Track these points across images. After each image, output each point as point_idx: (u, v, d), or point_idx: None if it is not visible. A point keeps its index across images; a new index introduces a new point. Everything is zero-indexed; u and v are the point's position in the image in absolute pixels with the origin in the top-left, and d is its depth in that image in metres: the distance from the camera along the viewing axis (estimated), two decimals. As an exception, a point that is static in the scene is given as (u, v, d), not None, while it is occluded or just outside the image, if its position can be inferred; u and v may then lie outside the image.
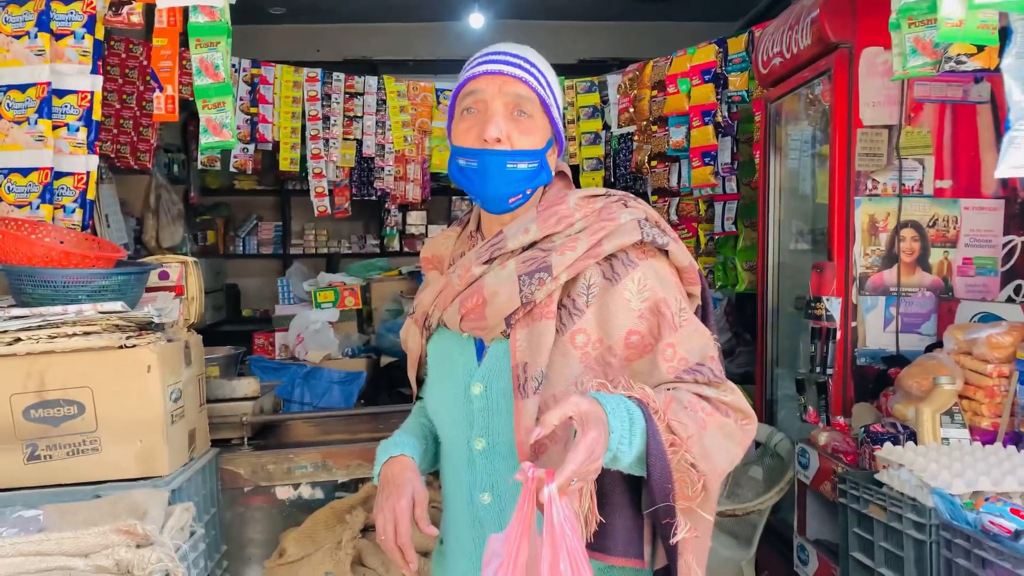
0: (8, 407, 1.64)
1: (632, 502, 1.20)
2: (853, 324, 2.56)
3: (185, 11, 2.07)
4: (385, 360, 3.86)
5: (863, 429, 2.17)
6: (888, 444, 1.97)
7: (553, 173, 1.32)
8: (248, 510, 2.11)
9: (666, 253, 1.27)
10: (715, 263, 4.11)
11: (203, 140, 2.08)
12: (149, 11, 2.11)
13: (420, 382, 1.54)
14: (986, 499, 1.55)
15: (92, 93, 2.06)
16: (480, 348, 1.32)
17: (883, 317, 2.57)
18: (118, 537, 1.41)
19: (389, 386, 3.86)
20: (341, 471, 2.09)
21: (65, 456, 1.67)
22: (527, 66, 1.26)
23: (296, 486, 2.08)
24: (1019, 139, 1.37)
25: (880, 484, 1.88)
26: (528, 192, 1.28)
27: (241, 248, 6.00)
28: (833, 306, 2.57)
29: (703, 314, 1.36)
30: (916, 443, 1.99)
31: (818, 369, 2.61)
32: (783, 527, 2.80)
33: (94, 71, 2.07)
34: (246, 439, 2.11)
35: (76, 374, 1.66)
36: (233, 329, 5.09)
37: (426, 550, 1.81)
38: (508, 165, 1.24)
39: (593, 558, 1.08)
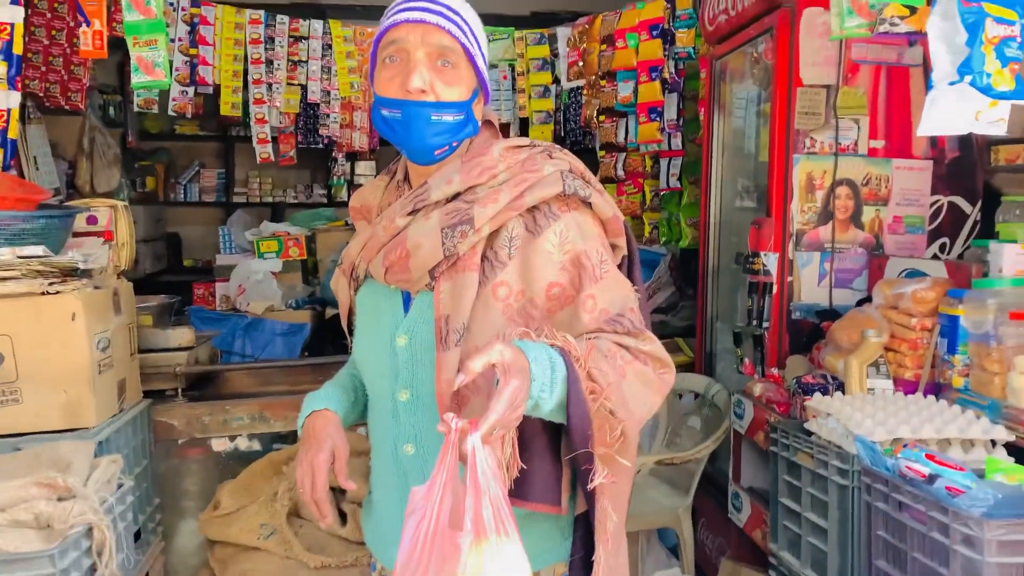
0: (-77, 356, 1.58)
1: (551, 449, 1.22)
2: (789, 279, 2.61)
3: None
4: (330, 312, 3.81)
5: (795, 380, 2.23)
6: (818, 394, 2.02)
7: (480, 123, 1.30)
8: (183, 462, 2.09)
9: (589, 205, 1.27)
10: (660, 219, 4.15)
11: (135, 79, 1.99)
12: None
13: (352, 333, 1.53)
14: (904, 446, 1.61)
15: (12, 25, 1.95)
16: (407, 300, 1.31)
17: (818, 272, 2.63)
18: (38, 490, 1.37)
19: (334, 338, 3.82)
20: (279, 422, 2.07)
21: (-15, 407, 1.62)
22: (450, 14, 1.23)
23: (233, 438, 2.06)
24: (940, 99, 1.39)
25: (809, 433, 1.94)
26: (454, 144, 1.26)
27: (183, 196, 5.82)
28: (770, 261, 2.62)
29: (628, 265, 1.37)
30: (844, 393, 2.05)
31: (755, 322, 2.67)
32: (719, 475, 2.88)
33: (14, 2, 1.95)
34: (180, 390, 2.07)
35: (-5, 321, 1.59)
36: (174, 279, 4.96)
37: (360, 500, 1.82)
38: (433, 117, 1.22)
39: (512, 504, 1.10)
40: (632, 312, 1.26)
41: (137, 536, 1.77)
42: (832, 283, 2.62)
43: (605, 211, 1.29)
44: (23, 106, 3.11)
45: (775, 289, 2.60)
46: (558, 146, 1.34)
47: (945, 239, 2.63)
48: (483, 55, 1.28)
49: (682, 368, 3.32)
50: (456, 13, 1.23)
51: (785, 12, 2.53)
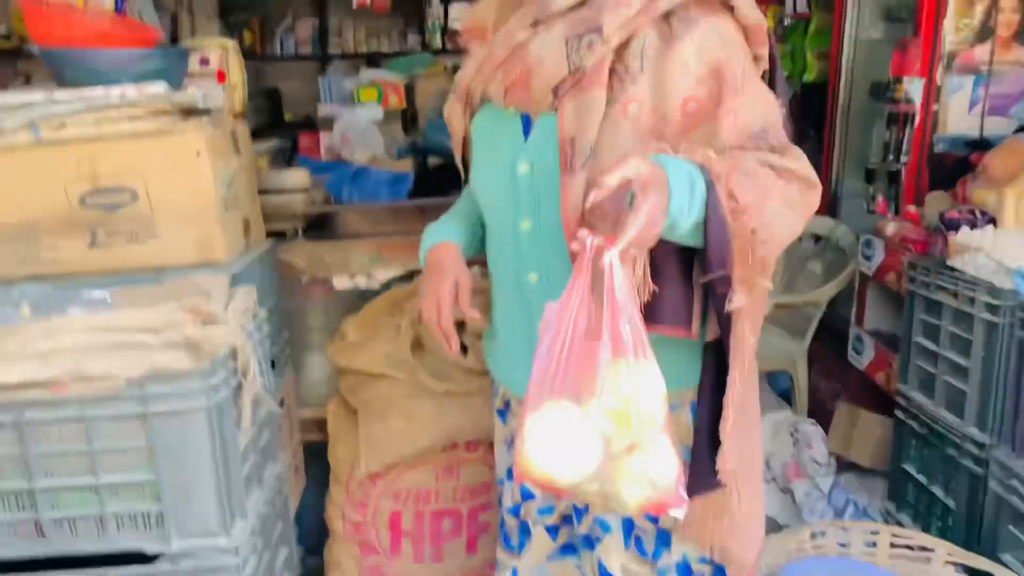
0: (64, 195, 1.63)
1: (682, 273, 1.16)
2: (935, 107, 2.37)
3: None
4: (432, 161, 3.78)
5: (938, 216, 2.06)
6: (965, 229, 1.87)
7: None
8: (307, 300, 2.16)
9: (731, 9, 1.14)
10: (783, 51, 3.82)
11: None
12: None
13: (467, 165, 1.48)
14: (1072, 278, 1.47)
15: None
16: (527, 124, 1.24)
17: (968, 99, 2.37)
18: (185, 315, 1.44)
19: (436, 188, 3.80)
20: (396, 263, 2.09)
21: (125, 242, 1.68)
22: None
23: (353, 276, 2.10)
24: None
25: (952, 270, 1.81)
26: None
27: (279, 49, 5.78)
28: (914, 88, 2.38)
29: (770, 78, 1.25)
30: (996, 228, 1.88)
31: (891, 157, 2.47)
32: (836, 320, 2.79)
33: None
34: (300, 230, 2.10)
35: (126, 160, 1.62)
36: (278, 134, 5.02)
37: (480, 333, 1.84)
38: None
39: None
40: (775, 128, 1.17)
41: (272, 366, 1.86)
42: (985, 110, 2.36)
43: (749, 16, 1.16)
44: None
45: (917, 120, 2.38)
46: None
47: (1125, 57, 2.31)
48: None
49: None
50: None
51: None
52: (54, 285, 1.61)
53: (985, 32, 2.29)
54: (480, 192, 1.39)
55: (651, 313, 1.17)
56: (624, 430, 1.01)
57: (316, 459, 2.15)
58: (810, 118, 3.78)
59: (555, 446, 1.01)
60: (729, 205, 1.06)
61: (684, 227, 1.05)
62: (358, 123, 3.61)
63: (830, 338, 2.81)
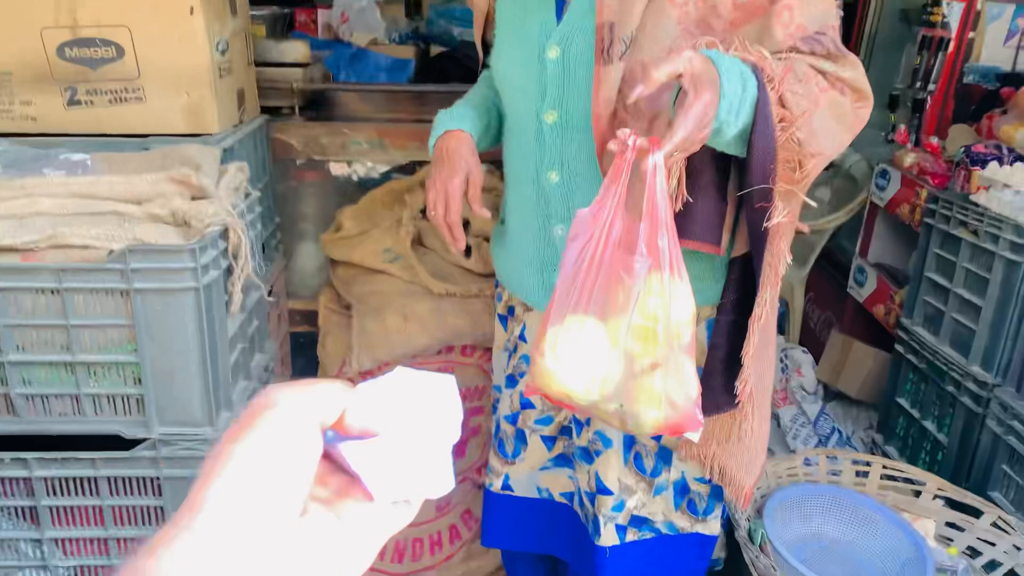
0: (40, 43, 1.49)
1: (717, 185, 1.09)
2: (970, 35, 2.25)
3: None
4: (435, 50, 3.59)
5: (962, 150, 1.98)
6: (993, 164, 1.79)
7: None
8: (301, 184, 2.05)
9: None
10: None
11: None
12: None
13: (487, 47, 1.37)
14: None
15: None
16: (560, 4, 1.13)
17: (1007, 28, 2.26)
18: (173, 187, 1.33)
19: (439, 79, 3.63)
20: (398, 151, 1.97)
21: (108, 104, 1.55)
22: None
23: (351, 163, 1.99)
24: None
25: (975, 205, 1.74)
26: None
27: (274, -83, 5.40)
28: (953, 12, 2.25)
29: None
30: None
31: (919, 84, 2.36)
32: (837, 250, 2.73)
33: None
34: (297, 108, 1.97)
35: (111, 10, 1.48)
36: (273, 3, 4.74)
37: (485, 234, 1.75)
38: None
39: None
40: (833, 31, 1.07)
41: (262, 251, 1.77)
42: (1022, 42, 2.25)
43: None
44: None
45: (952, 46, 2.26)
46: None
47: None
48: None
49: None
50: None
51: None
52: (29, 144, 1.49)
53: (1035, -43, 2.16)
54: (502, 77, 1.27)
55: (680, 224, 1.09)
56: (649, 349, 0.94)
57: (303, 351, 2.09)
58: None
59: (577, 362, 0.95)
60: (779, 112, 0.98)
61: (730, 133, 0.96)
62: (359, 2, 3.40)
63: (829, 268, 2.76)
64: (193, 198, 1.36)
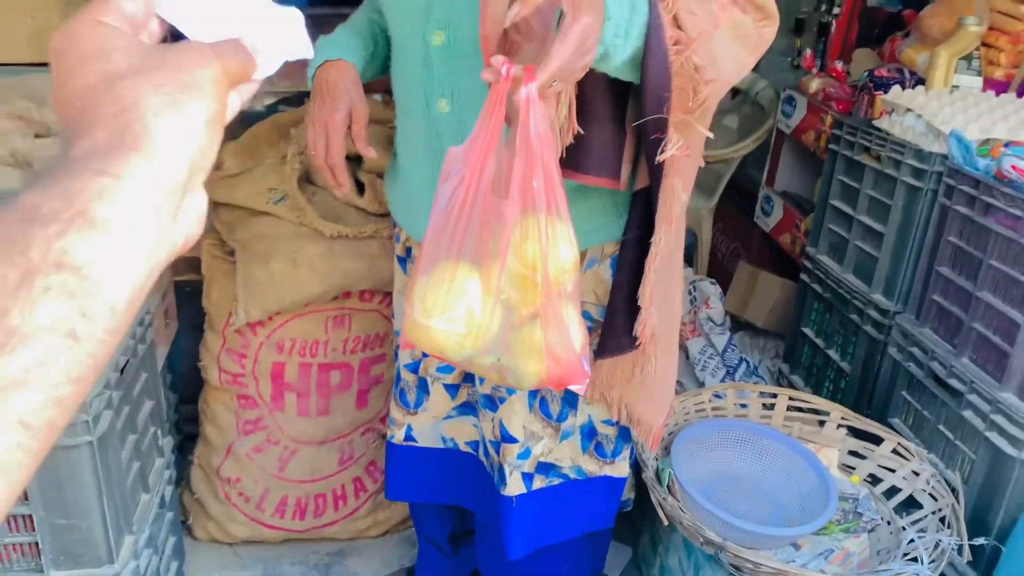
0: None
1: (612, 114, 1.01)
2: (875, -45, 2.22)
3: None
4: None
5: (866, 74, 1.96)
6: (896, 88, 1.78)
7: None
8: (176, 120, 1.87)
9: None
10: None
11: None
12: None
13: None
14: (1006, 144, 1.41)
15: None
16: None
17: (910, -51, 2.23)
18: (11, 123, 1.17)
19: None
20: (283, 81, 1.81)
21: (-68, 29, 1.35)
22: None
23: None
24: None
25: (878, 130, 1.73)
26: None
27: None
28: (858, -68, 2.21)
29: None
30: (926, 89, 1.80)
31: (824, 7, 2.33)
32: (744, 179, 2.73)
33: None
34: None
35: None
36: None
37: (379, 170, 1.64)
38: None
39: (564, 176, 0.92)
40: None
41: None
42: (924, -36, 2.23)
43: None
44: None
45: (856, -34, 2.23)
46: None
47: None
48: None
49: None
50: None
51: None
52: None
53: None
54: (385, -2, 1.15)
55: (574, 158, 1.02)
56: (528, 298, 0.87)
57: (191, 300, 1.95)
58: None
59: (449, 314, 0.87)
60: (673, 34, 0.90)
61: (619, 58, 0.88)
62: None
63: (736, 198, 2.76)
64: (37, 136, 1.20)
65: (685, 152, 0.99)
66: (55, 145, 1.15)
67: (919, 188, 1.56)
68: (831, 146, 1.86)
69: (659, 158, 0.96)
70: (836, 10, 2.30)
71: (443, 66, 1.09)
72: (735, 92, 2.79)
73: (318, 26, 2.01)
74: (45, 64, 1.12)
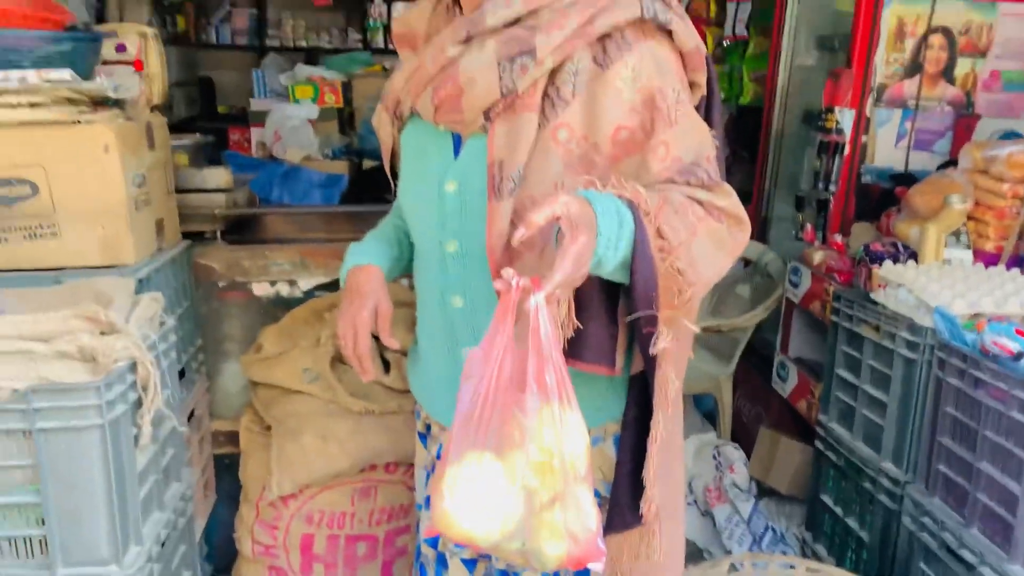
0: (-46, 184, 1.51)
1: (606, 308, 1.13)
2: (864, 139, 2.42)
3: None
4: (368, 163, 3.69)
5: (862, 248, 2.09)
6: (888, 263, 1.90)
7: None
8: (224, 306, 2.05)
9: (669, 33, 1.10)
10: (721, 72, 3.87)
11: None
12: None
13: (397, 176, 1.42)
14: (989, 320, 1.50)
15: None
16: (457, 140, 1.19)
17: (896, 132, 2.43)
18: (80, 323, 1.33)
19: (372, 191, 3.72)
20: (320, 270, 2.01)
21: (22, 239, 1.56)
22: None
23: (274, 283, 2.01)
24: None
25: (875, 303, 1.83)
26: None
27: (215, 37, 5.58)
28: (845, 118, 2.42)
29: (708, 107, 1.23)
30: (917, 263, 1.92)
31: (821, 185, 2.51)
32: (763, 345, 2.81)
33: None
34: (219, 233, 2.00)
35: (26, 150, 1.50)
36: (208, 126, 4.84)
37: (404, 350, 1.77)
38: None
39: (568, 364, 1.03)
40: (708, 162, 1.13)
41: (181, 375, 1.76)
42: (911, 144, 2.42)
43: (687, 41, 1.13)
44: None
45: (847, 150, 2.42)
46: None
47: (1049, 99, 2.39)
48: None
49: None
50: None
51: None
52: (-61, 283, 1.48)
53: (914, 67, 2.35)
54: (407, 208, 1.33)
55: (574, 348, 1.13)
56: (548, 483, 0.96)
57: (230, 472, 2.05)
58: (745, 140, 3.84)
59: (477, 502, 0.96)
60: (657, 244, 1.02)
61: (610, 265, 1.01)
62: (292, 120, 3.51)
63: (757, 362, 2.83)
64: (103, 333, 1.36)
65: (675, 344, 1.10)
66: (119, 340, 1.31)
67: (915, 360, 1.64)
68: (832, 317, 1.96)
69: (652, 351, 1.07)
70: (832, 187, 2.47)
71: (457, 269, 1.24)
72: (746, 263, 2.94)
73: (342, 220, 2.23)
74: (113, 267, 1.30)
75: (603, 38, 1.09)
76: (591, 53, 1.09)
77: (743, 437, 2.74)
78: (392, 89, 1.26)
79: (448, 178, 1.20)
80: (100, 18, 3.82)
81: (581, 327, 1.11)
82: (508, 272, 0.94)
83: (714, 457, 2.60)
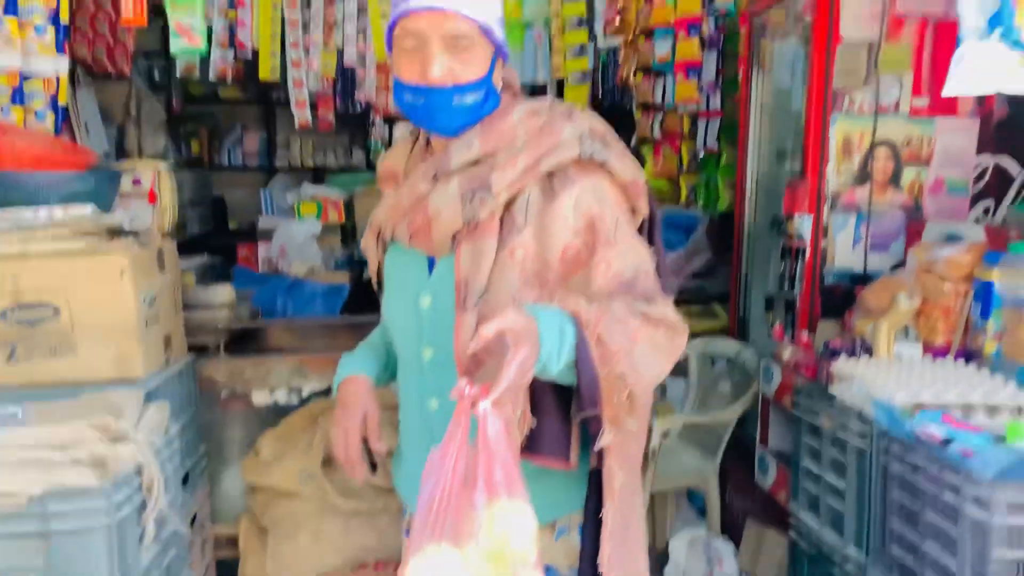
0: (-15, 309, 1.69)
1: (560, 406, 1.25)
2: (823, 243, 2.59)
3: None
4: (368, 274, 3.88)
5: (824, 344, 2.24)
6: (843, 357, 2.03)
7: (500, 89, 1.32)
8: (226, 414, 2.19)
9: (607, 169, 1.28)
10: (698, 182, 4.12)
11: (173, 45, 2.06)
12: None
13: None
14: (922, 409, 1.62)
15: (58, -7, 2.02)
16: (431, 261, 1.36)
17: (853, 236, 2.61)
18: (93, 432, 1.48)
19: (373, 299, 3.89)
20: (317, 377, 2.16)
21: (44, 357, 1.72)
22: None
23: (273, 391, 2.15)
24: (968, 55, 1.37)
25: (832, 397, 1.95)
26: (476, 120, 1.28)
27: (227, 159, 5.95)
28: (804, 224, 2.61)
29: (649, 229, 1.39)
30: (872, 358, 2.05)
31: (786, 287, 2.67)
32: (748, 439, 2.91)
33: (59, -29, 2.02)
34: (223, 345, 2.16)
35: (50, 278, 1.69)
36: (220, 241, 5.09)
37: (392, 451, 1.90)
38: (455, 101, 1.24)
39: (523, 457, 1.15)
40: (646, 276, 1.28)
41: (185, 480, 1.88)
42: (867, 247, 2.59)
43: (624, 174, 1.31)
44: (72, 72, 3.22)
45: (808, 253, 2.59)
46: (579, 106, 1.35)
47: (990, 202, 2.56)
48: (499, 19, 1.28)
49: (716, 333, 3.34)
50: None
51: (825, -35, 2.48)
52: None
53: (864, 176, 2.55)
54: (389, 320, 1.49)
55: (532, 443, 1.25)
56: (501, 571, 1.07)
57: (229, 574, 2.13)
58: (725, 243, 4.05)
59: None
60: (598, 351, 1.15)
61: (555, 370, 1.14)
62: (296, 237, 3.74)
63: (744, 455, 2.92)
64: (113, 440, 1.50)
65: (618, 441, 1.22)
66: (126, 447, 1.45)
67: (865, 449, 1.75)
68: (795, 411, 2.08)
69: (595, 447, 1.20)
70: (797, 288, 2.63)
71: (433, 374, 1.38)
72: (728, 360, 3.07)
73: (338, 330, 2.38)
74: (124, 380, 1.46)
75: (550, 174, 1.27)
76: (540, 187, 1.27)
77: (735, 530, 2.79)
78: (376, 219, 1.45)
79: (423, 293, 1.36)
80: (120, 145, 4.14)
81: (537, 423, 1.24)
82: (461, 382, 1.08)
83: (704, 552, 2.65)
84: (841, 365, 1.99)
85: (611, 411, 1.18)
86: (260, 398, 2.13)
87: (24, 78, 2.00)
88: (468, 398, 1.07)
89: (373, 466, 1.88)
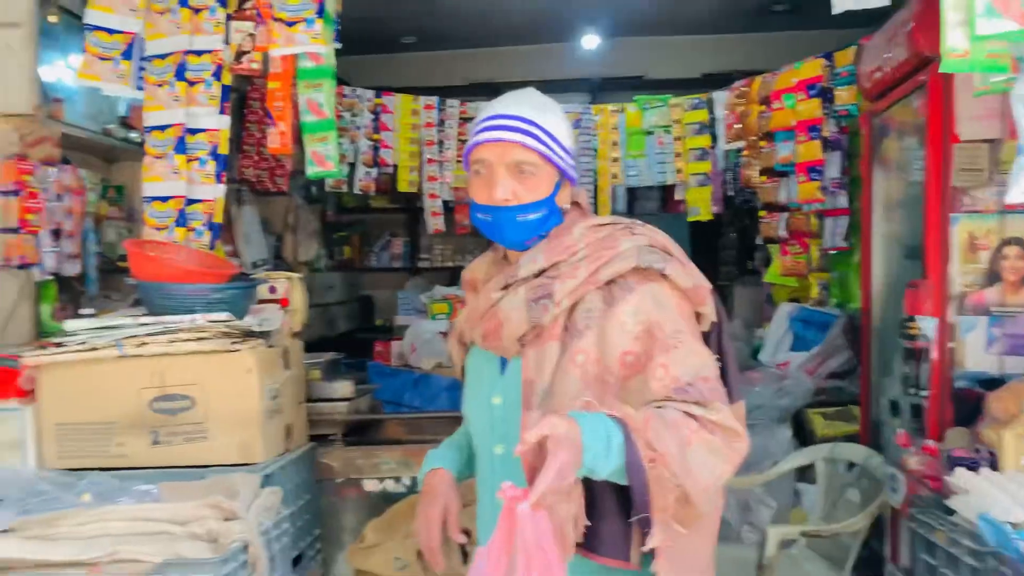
0: (138, 398, 1.96)
1: (620, 506, 1.27)
2: (950, 345, 2.45)
3: (296, 56, 2.35)
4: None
5: (947, 454, 2.09)
6: (960, 469, 1.90)
7: (567, 207, 1.43)
8: (340, 500, 2.35)
9: (666, 276, 1.34)
10: (830, 279, 3.99)
11: (309, 170, 2.36)
12: (267, 58, 2.41)
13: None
14: (1034, 528, 1.49)
15: (219, 131, 2.38)
16: (504, 362, 1.46)
17: (985, 338, 2.44)
18: (210, 511, 1.66)
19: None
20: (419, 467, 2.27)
21: (181, 442, 1.96)
22: (526, 127, 1.35)
23: (381, 480, 2.29)
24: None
25: (951, 511, 1.82)
26: (542, 234, 1.40)
27: (375, 262, 6.44)
28: (928, 326, 2.48)
29: (718, 333, 1.42)
30: (996, 469, 1.90)
31: (911, 390, 2.52)
32: (879, 554, 2.70)
33: (221, 112, 2.38)
34: (340, 435, 2.34)
35: (190, 373, 1.94)
36: (366, 337, 5.47)
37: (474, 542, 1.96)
38: (519, 218, 1.37)
39: (584, 555, 1.19)
40: (705, 381, 1.29)
41: (298, 561, 2.03)
42: (1003, 350, 2.42)
43: (683, 282, 1.35)
44: (238, 190, 3.68)
45: (934, 355, 2.45)
46: (640, 222, 1.43)
47: None
48: (563, 147, 1.39)
49: (850, 437, 3.16)
50: (531, 123, 1.36)
51: (936, 67, 2.44)
52: (118, 477, 1.88)
53: (993, 276, 2.41)
54: (467, 418, 1.59)
55: (592, 542, 1.28)
56: None
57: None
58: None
59: None
60: (647, 454, 1.17)
61: (604, 472, 1.17)
62: (426, 334, 3.96)
63: (880, 570, 2.71)
64: (227, 519, 1.68)
65: (668, 543, 1.21)
66: (237, 525, 1.62)
67: (978, 568, 1.61)
68: (911, 525, 1.95)
69: (644, 548, 1.21)
70: (924, 392, 2.48)
71: (503, 468, 1.45)
72: (851, 466, 2.90)
73: (440, 423, 2.49)
74: (244, 465, 1.65)
75: (610, 283, 1.35)
76: (601, 294, 1.35)
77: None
78: (459, 323, 1.58)
79: (495, 393, 1.45)
80: (278, 252, 4.62)
81: (593, 523, 1.27)
82: (506, 484, 1.15)
83: (827, 677, 2.46)
84: (957, 477, 1.86)
85: (660, 513, 1.20)
86: (371, 485, 2.27)
87: (188, 202, 2.35)
88: (511, 500, 1.14)
89: (464, 556, 1.95)
